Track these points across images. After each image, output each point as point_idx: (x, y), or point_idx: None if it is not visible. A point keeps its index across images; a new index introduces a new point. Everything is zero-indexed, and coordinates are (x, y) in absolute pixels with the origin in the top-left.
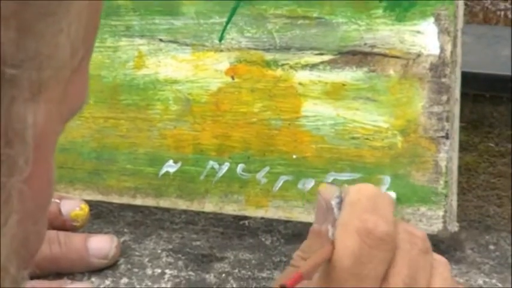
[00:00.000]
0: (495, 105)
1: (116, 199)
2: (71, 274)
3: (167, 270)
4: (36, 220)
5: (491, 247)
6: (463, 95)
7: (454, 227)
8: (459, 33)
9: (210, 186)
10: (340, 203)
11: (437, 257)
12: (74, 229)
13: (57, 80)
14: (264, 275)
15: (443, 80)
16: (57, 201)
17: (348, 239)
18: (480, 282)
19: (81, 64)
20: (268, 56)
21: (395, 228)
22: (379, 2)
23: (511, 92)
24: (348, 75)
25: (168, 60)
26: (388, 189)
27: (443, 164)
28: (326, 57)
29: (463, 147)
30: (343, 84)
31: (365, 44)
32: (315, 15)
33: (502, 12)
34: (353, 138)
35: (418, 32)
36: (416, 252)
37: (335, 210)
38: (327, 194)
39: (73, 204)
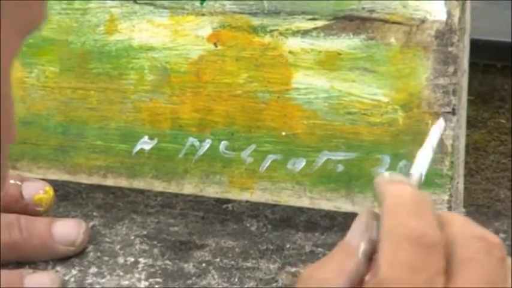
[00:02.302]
0: (507, 77)
1: (84, 179)
2: (33, 263)
3: (141, 259)
4: None
5: (502, 235)
6: (472, 65)
7: (460, 212)
8: None
9: (189, 165)
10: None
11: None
12: (37, 214)
13: None
14: (249, 264)
15: (450, 49)
16: (19, 183)
17: (398, 249)
18: None
19: None
20: (256, 21)
21: (465, 231)
22: None
23: None
24: (344, 43)
25: (143, 25)
26: (388, 170)
27: (448, 142)
28: (320, 23)
29: (470, 124)
30: (339, 53)
31: (363, 8)
32: None
33: None
34: (349, 113)
35: None
36: (494, 263)
37: (374, 231)
38: (370, 215)
39: (37, 187)
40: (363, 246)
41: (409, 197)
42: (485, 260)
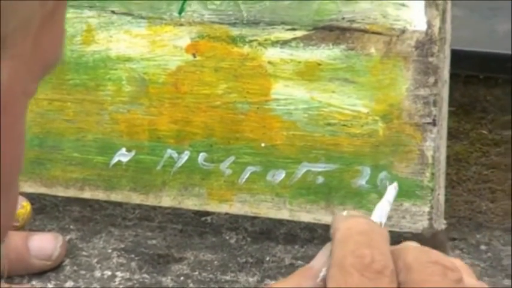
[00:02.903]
0: (489, 88)
1: (61, 192)
2: (8, 277)
3: (118, 273)
4: (6, 192)
5: (483, 247)
6: (454, 76)
7: (441, 224)
8: (449, 7)
9: (167, 177)
10: None
11: (472, 284)
12: (14, 230)
13: (25, 32)
14: (228, 277)
15: (430, 59)
16: None
17: (345, 276)
18: None
19: (54, 13)
20: (234, 31)
21: (419, 259)
22: None
23: (509, 72)
24: (324, 53)
25: (121, 35)
26: (368, 181)
27: (429, 153)
28: (299, 33)
29: (452, 135)
30: (318, 64)
31: (343, 18)
32: None
33: None
34: (329, 124)
35: (403, 5)
36: (449, 284)
37: None
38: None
39: None
40: (323, 272)
41: (360, 228)
42: (440, 281)
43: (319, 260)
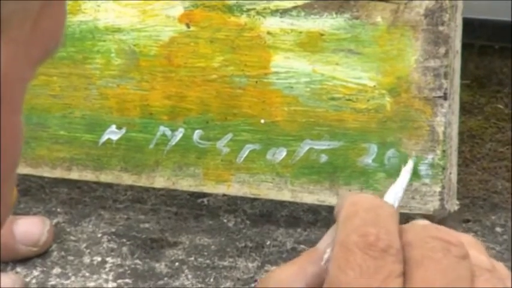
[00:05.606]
0: (505, 59)
1: (47, 172)
2: None
3: (109, 258)
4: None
5: (498, 229)
6: (467, 46)
7: (453, 205)
8: None
9: (161, 157)
10: None
11: (481, 261)
12: None
13: (23, 15)
14: (226, 263)
15: (440, 28)
16: None
17: (348, 254)
18: None
19: None
20: (231, 0)
21: (419, 234)
22: None
23: None
24: (327, 22)
25: (109, 4)
26: (375, 159)
27: (440, 129)
28: (300, 1)
29: (466, 110)
30: (321, 34)
31: None
32: None
33: None
34: (332, 99)
35: None
36: (452, 261)
37: None
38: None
39: None
40: (327, 254)
41: (366, 204)
42: (442, 257)
43: (325, 242)
